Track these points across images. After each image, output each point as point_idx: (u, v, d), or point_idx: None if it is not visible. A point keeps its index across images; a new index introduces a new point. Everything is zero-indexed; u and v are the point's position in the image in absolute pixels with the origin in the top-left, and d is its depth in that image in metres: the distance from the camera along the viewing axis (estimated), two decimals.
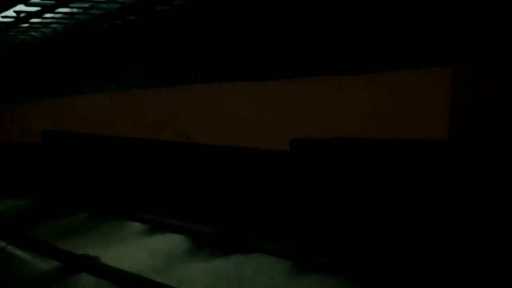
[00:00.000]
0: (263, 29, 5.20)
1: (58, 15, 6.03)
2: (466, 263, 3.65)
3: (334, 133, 4.47)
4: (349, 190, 4.49)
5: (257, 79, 5.26)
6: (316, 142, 4.65)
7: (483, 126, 3.60)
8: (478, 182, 3.63)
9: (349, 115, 4.39)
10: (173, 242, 5.34)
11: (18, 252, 5.37)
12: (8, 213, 7.66)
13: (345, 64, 4.45)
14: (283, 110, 4.98)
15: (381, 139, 4.14)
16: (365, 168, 4.34)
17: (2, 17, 5.96)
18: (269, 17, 5.14)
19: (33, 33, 7.29)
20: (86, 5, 5.57)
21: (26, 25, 6.52)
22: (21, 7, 5.61)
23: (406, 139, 3.97)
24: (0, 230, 6.13)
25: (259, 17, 5.23)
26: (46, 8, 5.53)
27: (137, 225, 6.08)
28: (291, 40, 4.92)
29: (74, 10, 5.83)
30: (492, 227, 3.57)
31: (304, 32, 4.79)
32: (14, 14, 5.92)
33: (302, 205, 4.94)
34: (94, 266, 4.55)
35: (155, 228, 5.86)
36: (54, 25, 6.71)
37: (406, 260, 3.98)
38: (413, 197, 4.03)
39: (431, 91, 3.88)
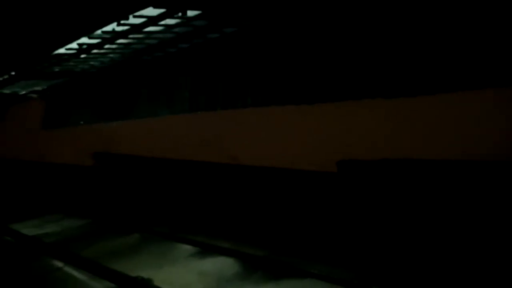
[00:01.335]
0: (312, 54, 5.26)
1: (116, 46, 6.40)
2: None
3: (380, 155, 4.42)
4: (399, 212, 4.38)
5: (305, 103, 5.31)
6: (364, 163, 4.59)
7: None
8: None
9: (397, 137, 4.32)
10: (223, 265, 5.37)
11: (75, 272, 5.56)
12: (65, 233, 7.99)
13: (394, 87, 4.40)
14: (330, 132, 4.98)
15: (431, 159, 4.04)
16: (416, 189, 4.23)
17: (66, 49, 6.39)
18: (317, 44, 5.20)
19: (92, 62, 7.76)
20: (142, 35, 5.88)
21: (86, 55, 6.95)
22: (83, 40, 6.00)
23: (459, 160, 3.85)
24: (58, 250, 6.41)
25: (308, 43, 5.31)
26: (106, 40, 5.89)
27: (187, 247, 6.17)
28: (338, 65, 4.94)
29: (131, 40, 6.16)
30: None
31: (351, 58, 4.80)
32: (77, 46, 6.35)
33: (351, 227, 4.86)
34: None
35: (206, 250, 5.92)
36: (111, 55, 7.12)
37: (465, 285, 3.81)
38: (470, 218, 3.87)
39: (488, 112, 3.77)
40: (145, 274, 4.97)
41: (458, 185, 3.94)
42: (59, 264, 5.90)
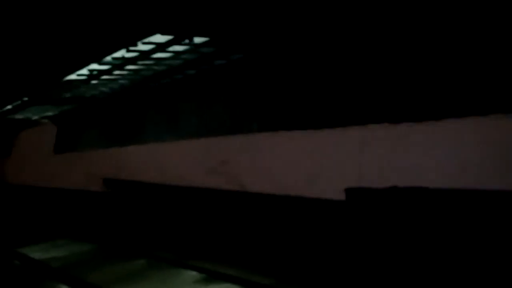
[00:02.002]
0: (317, 80, 5.30)
1: (126, 72, 6.52)
2: None
3: (387, 183, 4.37)
4: (409, 241, 4.29)
5: (311, 128, 5.31)
6: (372, 191, 4.54)
7: None
8: None
9: (406, 165, 4.28)
10: None
11: None
12: (71, 257, 7.97)
13: (403, 113, 4.40)
14: (337, 158, 4.95)
15: (440, 188, 3.98)
16: (425, 218, 4.15)
17: (77, 75, 6.53)
18: (323, 69, 5.24)
19: (101, 88, 7.90)
20: (151, 61, 5.99)
21: (96, 81, 7.09)
22: (94, 66, 6.13)
23: (470, 189, 3.79)
24: (63, 275, 6.39)
25: (313, 69, 5.36)
26: (115, 66, 6.01)
27: (193, 274, 6.11)
28: (345, 91, 4.96)
29: (140, 67, 6.28)
30: None
31: (359, 83, 4.82)
32: (88, 72, 6.48)
33: (359, 257, 4.76)
34: None
35: (211, 277, 5.86)
36: (121, 81, 7.24)
37: None
38: (480, 248, 3.77)
39: (496, 139, 3.72)
40: None
41: (467, 214, 3.87)
42: None
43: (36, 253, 8.26)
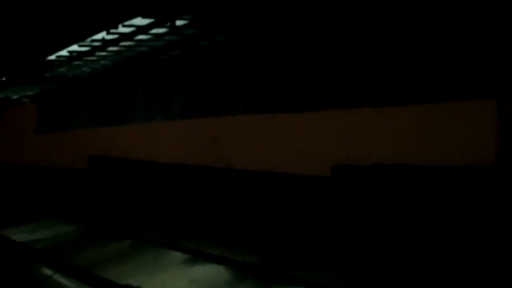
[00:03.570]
0: (302, 63, 5.29)
1: (107, 53, 6.39)
2: None
3: (373, 160, 4.47)
4: (393, 217, 4.41)
5: (296, 111, 5.34)
6: (357, 168, 4.63)
7: None
8: None
9: (389, 143, 4.37)
10: (214, 272, 5.38)
11: (64, 280, 5.54)
12: (55, 239, 7.93)
13: (385, 96, 4.45)
14: (322, 138, 5.02)
15: (424, 165, 4.08)
16: (408, 194, 4.27)
17: (57, 56, 6.39)
18: (308, 52, 5.23)
19: (84, 68, 7.74)
20: (133, 43, 5.88)
21: (78, 62, 6.94)
22: (74, 47, 6.00)
23: (450, 165, 3.90)
24: (47, 257, 6.38)
25: (299, 51, 5.34)
26: (96, 48, 5.89)
27: (179, 255, 6.17)
28: (330, 74, 4.97)
29: (122, 48, 6.16)
30: None
31: (343, 66, 4.83)
32: (68, 54, 6.34)
33: (344, 233, 4.88)
34: None
35: (197, 257, 5.93)
36: (103, 61, 7.11)
37: None
38: (460, 225, 3.90)
39: (476, 120, 3.82)
40: (135, 281, 4.98)
41: (450, 190, 3.99)
42: (48, 272, 5.88)
43: (20, 235, 8.21)
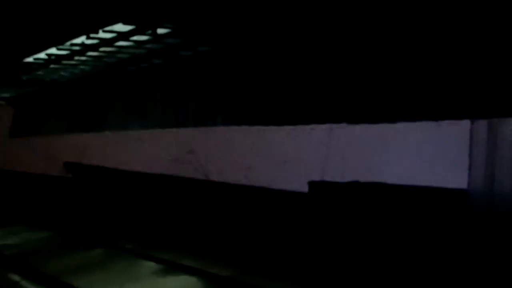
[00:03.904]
0: (283, 78, 5.34)
1: (87, 58, 6.33)
2: None
3: (351, 177, 4.51)
4: (368, 235, 4.44)
5: (274, 124, 5.37)
6: (334, 185, 4.67)
7: (503, 178, 3.58)
8: (496, 231, 3.57)
9: (364, 161, 4.43)
10: (186, 284, 5.30)
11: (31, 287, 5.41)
12: (25, 246, 7.74)
13: (361, 114, 4.52)
14: (300, 153, 5.05)
15: (399, 185, 4.14)
16: (383, 212, 4.32)
17: (35, 59, 6.28)
18: (288, 66, 5.29)
19: (62, 73, 7.64)
20: (113, 49, 5.84)
21: (56, 66, 6.85)
22: (52, 50, 5.91)
23: (425, 186, 3.97)
24: (16, 264, 6.21)
25: (278, 67, 5.39)
26: (75, 52, 5.82)
27: (151, 265, 6.07)
28: (308, 88, 5.03)
29: (102, 54, 6.11)
30: None
31: (323, 83, 4.90)
32: (46, 57, 6.25)
33: (318, 248, 4.89)
34: None
35: (170, 268, 5.84)
36: (82, 67, 7.03)
37: None
38: (436, 246, 3.96)
39: (449, 141, 3.91)
40: None
41: (423, 210, 4.05)
42: (16, 278, 5.71)
43: None
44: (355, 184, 4.47)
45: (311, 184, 4.83)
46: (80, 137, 8.96)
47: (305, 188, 4.91)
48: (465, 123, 3.80)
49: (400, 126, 4.27)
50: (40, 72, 7.44)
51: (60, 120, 9.82)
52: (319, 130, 4.92)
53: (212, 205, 6.36)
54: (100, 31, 4.79)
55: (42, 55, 6.16)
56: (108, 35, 5.14)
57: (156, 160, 7.02)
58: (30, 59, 6.46)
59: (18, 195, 10.96)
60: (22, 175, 10.73)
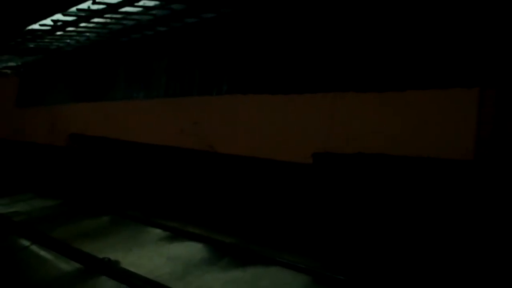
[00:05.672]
0: (289, 45, 5.27)
1: (92, 25, 6.25)
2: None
3: (355, 148, 4.49)
4: (370, 205, 4.46)
5: (281, 93, 5.32)
6: (338, 156, 4.66)
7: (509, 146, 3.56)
8: (501, 200, 3.57)
9: (371, 131, 4.39)
10: (192, 250, 5.39)
11: (42, 252, 5.49)
12: (34, 213, 7.86)
13: (369, 82, 4.46)
14: (305, 123, 5.02)
15: (403, 156, 4.12)
16: (386, 184, 4.32)
17: (40, 25, 6.22)
18: (295, 34, 5.20)
19: (67, 40, 7.57)
20: (119, 15, 5.76)
21: (61, 32, 6.78)
22: (58, 16, 5.84)
23: (430, 157, 3.95)
24: (25, 229, 6.32)
25: (285, 34, 5.30)
26: (81, 18, 5.75)
27: (157, 232, 6.17)
28: (316, 57, 4.96)
29: (108, 20, 6.03)
30: None
31: (328, 50, 4.83)
32: (51, 23, 6.18)
33: (322, 218, 4.93)
34: (114, 270, 4.63)
35: (176, 235, 5.93)
36: (87, 34, 6.96)
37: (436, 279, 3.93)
38: (437, 215, 3.98)
39: (457, 111, 3.86)
40: (113, 256, 4.96)
41: (427, 181, 4.05)
42: (26, 243, 5.82)
43: None
44: (359, 156, 4.46)
45: (316, 155, 4.82)
46: (84, 109, 8.95)
47: (310, 160, 4.90)
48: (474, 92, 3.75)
49: (410, 94, 4.23)
50: (45, 40, 7.38)
51: (65, 90, 9.80)
52: (326, 100, 4.87)
53: (218, 176, 6.39)
54: None
55: (47, 21, 6.09)
56: (114, 0, 5.06)
57: (160, 131, 7.02)
58: (35, 26, 6.39)
59: (27, 164, 11.07)
60: (31, 145, 10.81)
